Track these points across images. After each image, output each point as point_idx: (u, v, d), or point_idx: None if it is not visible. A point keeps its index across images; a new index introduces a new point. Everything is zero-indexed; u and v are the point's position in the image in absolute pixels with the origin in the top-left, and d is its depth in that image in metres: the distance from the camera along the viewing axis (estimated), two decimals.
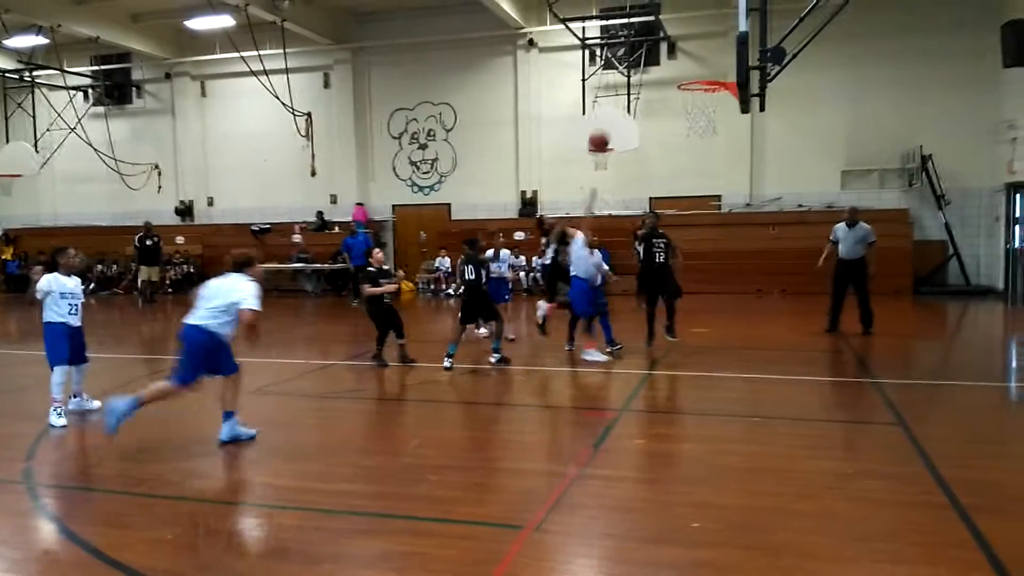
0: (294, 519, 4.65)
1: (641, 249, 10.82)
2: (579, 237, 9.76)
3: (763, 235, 18.42)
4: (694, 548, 4.13)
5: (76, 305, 7.12)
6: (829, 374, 9.01)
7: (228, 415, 6.29)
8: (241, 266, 6.36)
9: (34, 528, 4.73)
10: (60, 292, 7.02)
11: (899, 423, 6.59)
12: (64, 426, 6.89)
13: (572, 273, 9.81)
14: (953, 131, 17.73)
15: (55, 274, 7.09)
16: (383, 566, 4.03)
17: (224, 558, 4.20)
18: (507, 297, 11.85)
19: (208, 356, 6.19)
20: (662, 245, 10.64)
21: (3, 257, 24.41)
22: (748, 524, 4.44)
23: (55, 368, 6.99)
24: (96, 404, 7.36)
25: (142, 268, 19.92)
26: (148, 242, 19.58)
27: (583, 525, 4.56)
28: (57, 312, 7.01)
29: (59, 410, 6.96)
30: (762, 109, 10.61)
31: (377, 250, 9.95)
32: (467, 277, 9.40)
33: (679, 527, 4.41)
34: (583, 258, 9.57)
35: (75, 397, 7.33)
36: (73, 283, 7.14)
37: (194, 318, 6.26)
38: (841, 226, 11.57)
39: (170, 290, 21.85)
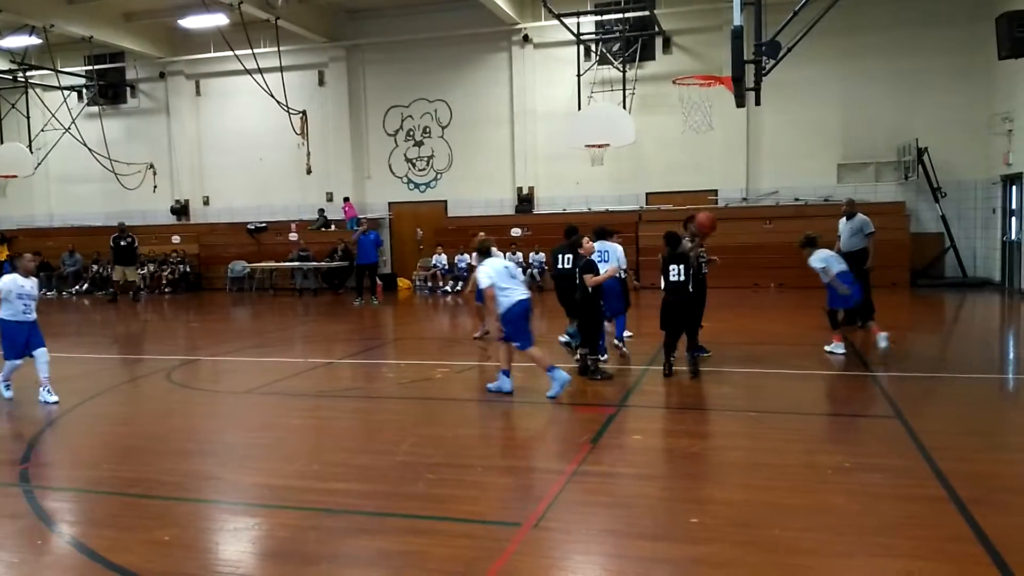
0: (290, 519, 4.64)
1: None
2: None
3: (759, 229, 18.39)
4: (692, 544, 4.12)
5: (31, 305, 7.91)
6: (826, 368, 9.00)
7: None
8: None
9: (31, 531, 4.69)
10: (17, 293, 7.78)
11: (896, 416, 6.59)
12: (10, 399, 8.05)
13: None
14: (949, 124, 17.72)
15: (14, 275, 7.86)
16: (380, 565, 4.02)
17: (221, 559, 4.19)
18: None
19: None
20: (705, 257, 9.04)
21: (0, 258, 24.35)
22: (746, 519, 4.43)
23: (7, 361, 7.99)
24: (55, 399, 7.85)
25: (116, 268, 19.91)
26: (123, 242, 19.52)
27: (581, 521, 4.55)
28: (12, 310, 7.77)
29: (7, 384, 8.15)
30: (757, 103, 10.56)
31: (587, 239, 8.71)
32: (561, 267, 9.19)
33: (677, 523, 4.41)
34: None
35: (40, 387, 7.92)
36: (29, 284, 7.92)
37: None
38: (842, 220, 11.56)
39: (168, 290, 21.80)
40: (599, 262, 9.09)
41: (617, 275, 9.26)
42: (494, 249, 8.60)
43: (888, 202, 18.04)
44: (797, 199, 18.77)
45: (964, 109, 17.64)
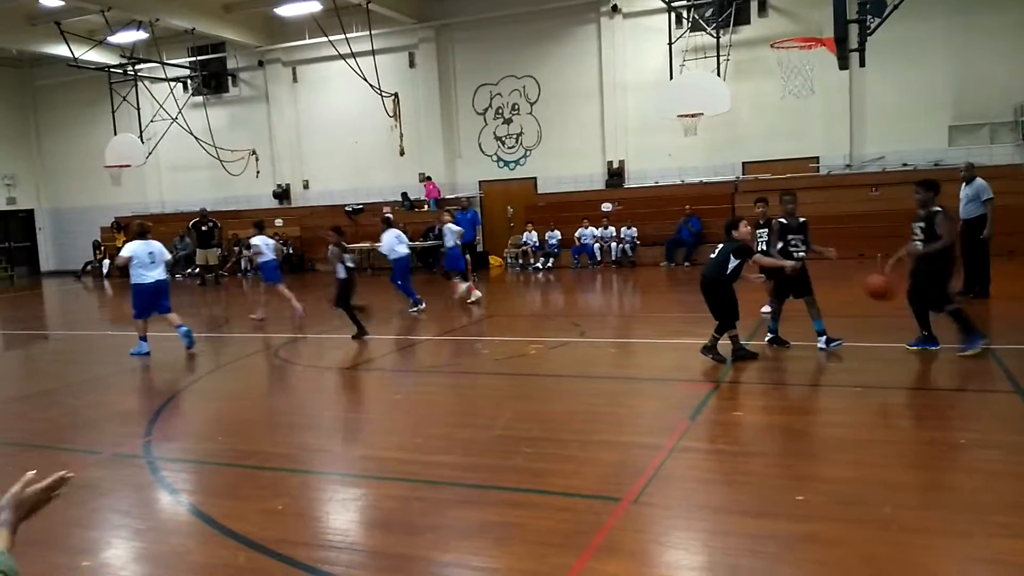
0: (395, 490, 4.78)
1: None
2: None
3: (865, 197, 17.64)
4: (799, 521, 4.03)
5: None
6: (939, 340, 8.58)
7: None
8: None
9: (154, 500, 5.01)
10: None
11: (1017, 391, 6.25)
12: None
13: None
14: None
15: None
16: (483, 536, 4.09)
17: (331, 527, 4.36)
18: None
19: None
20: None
21: (116, 244, 25.77)
22: (856, 497, 4.30)
23: None
24: None
25: (198, 252, 20.91)
26: (203, 227, 20.52)
27: (681, 497, 4.51)
28: None
29: None
30: (862, 64, 10.12)
31: (744, 223, 8.15)
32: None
33: (782, 500, 4.31)
34: None
35: None
36: None
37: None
38: (962, 186, 11.02)
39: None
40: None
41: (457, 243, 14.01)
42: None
43: (1005, 165, 16.99)
44: (905, 164, 17.89)
45: None
